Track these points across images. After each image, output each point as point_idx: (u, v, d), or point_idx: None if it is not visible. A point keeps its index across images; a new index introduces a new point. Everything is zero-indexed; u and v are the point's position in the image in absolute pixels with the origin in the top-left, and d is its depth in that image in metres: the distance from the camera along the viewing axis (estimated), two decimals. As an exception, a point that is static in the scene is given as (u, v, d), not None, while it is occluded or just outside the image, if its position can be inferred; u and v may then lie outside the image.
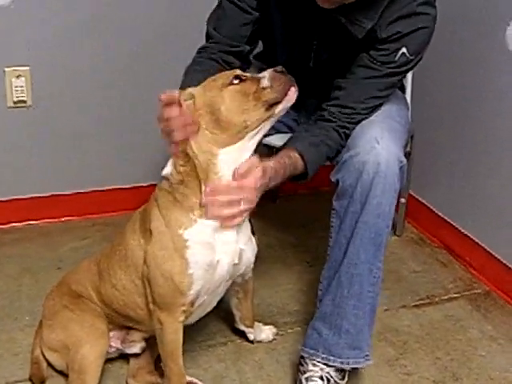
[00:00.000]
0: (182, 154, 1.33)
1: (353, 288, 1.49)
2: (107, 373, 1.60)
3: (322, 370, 1.54)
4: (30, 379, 1.58)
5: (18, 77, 2.13)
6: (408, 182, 2.16)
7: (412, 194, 2.39)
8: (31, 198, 2.29)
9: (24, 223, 2.30)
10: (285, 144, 1.52)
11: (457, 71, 2.17)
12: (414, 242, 2.33)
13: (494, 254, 2.05)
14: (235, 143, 1.32)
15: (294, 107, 1.38)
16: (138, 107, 2.29)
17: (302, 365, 1.58)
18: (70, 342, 1.49)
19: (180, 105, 1.28)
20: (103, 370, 1.51)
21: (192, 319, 1.51)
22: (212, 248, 1.37)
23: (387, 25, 1.46)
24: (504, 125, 1.98)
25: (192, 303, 1.41)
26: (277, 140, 1.68)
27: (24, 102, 2.17)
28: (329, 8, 1.43)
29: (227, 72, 1.38)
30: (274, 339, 1.78)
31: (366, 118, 1.52)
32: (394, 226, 2.20)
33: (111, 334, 1.57)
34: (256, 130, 1.33)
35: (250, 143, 1.34)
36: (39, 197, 2.29)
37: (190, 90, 1.35)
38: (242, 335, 1.76)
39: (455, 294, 2.04)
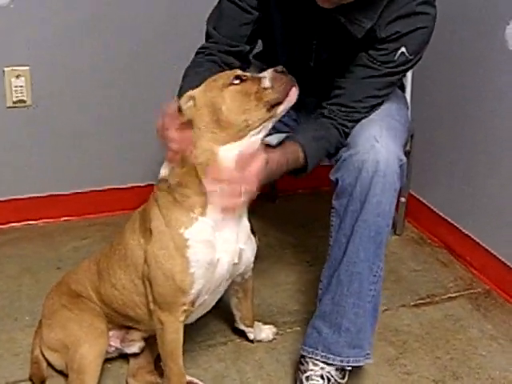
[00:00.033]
0: (180, 159, 1.33)
1: (352, 286, 1.49)
2: (107, 372, 1.60)
3: (322, 369, 1.54)
4: (30, 379, 1.58)
5: (17, 76, 2.13)
6: (408, 181, 2.16)
7: (412, 193, 2.39)
8: (30, 197, 2.28)
9: (23, 223, 2.30)
10: (286, 139, 1.52)
11: (456, 71, 2.17)
12: (414, 242, 2.33)
13: (494, 253, 2.05)
14: (236, 141, 1.32)
15: (293, 107, 1.38)
16: (138, 107, 2.29)
17: (302, 364, 1.58)
18: (69, 342, 1.49)
19: (180, 112, 1.29)
20: (103, 369, 1.51)
21: (192, 318, 1.51)
22: (212, 246, 1.37)
23: (386, 24, 1.46)
24: (504, 124, 1.98)
25: (193, 303, 1.41)
26: (276, 140, 1.67)
27: (24, 101, 2.17)
28: (328, 8, 1.43)
29: (228, 72, 1.38)
30: (274, 339, 1.77)
31: (366, 116, 1.52)
32: (394, 226, 2.20)
33: (110, 333, 1.56)
34: (257, 130, 1.33)
35: (251, 141, 1.33)
36: (38, 197, 2.29)
37: (188, 92, 1.35)
38: (242, 335, 1.76)
39: (455, 293, 2.04)
